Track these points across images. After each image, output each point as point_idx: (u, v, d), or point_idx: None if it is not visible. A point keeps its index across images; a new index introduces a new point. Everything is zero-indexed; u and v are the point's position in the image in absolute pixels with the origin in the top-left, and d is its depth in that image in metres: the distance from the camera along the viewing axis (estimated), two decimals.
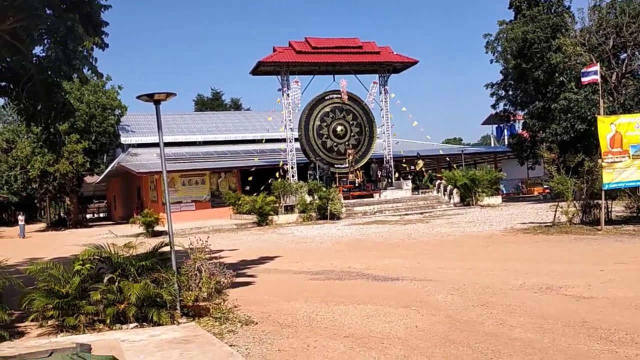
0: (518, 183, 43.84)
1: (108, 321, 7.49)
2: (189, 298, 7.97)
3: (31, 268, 7.81)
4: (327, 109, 33.89)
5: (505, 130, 46.87)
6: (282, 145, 33.52)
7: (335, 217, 27.99)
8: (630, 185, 16.30)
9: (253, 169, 33.94)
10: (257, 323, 7.48)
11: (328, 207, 27.94)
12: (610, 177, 15.65)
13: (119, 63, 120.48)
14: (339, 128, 33.80)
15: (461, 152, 42.27)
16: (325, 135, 33.57)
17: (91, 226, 45.24)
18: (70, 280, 7.62)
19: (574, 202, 17.45)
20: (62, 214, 57.52)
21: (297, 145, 33.18)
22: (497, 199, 31.70)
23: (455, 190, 31.60)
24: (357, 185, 33.07)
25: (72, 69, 9.29)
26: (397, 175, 35.59)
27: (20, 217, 38.04)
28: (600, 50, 27.49)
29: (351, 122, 34.13)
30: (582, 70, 18.86)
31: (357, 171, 33.42)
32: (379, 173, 34.45)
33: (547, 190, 32.68)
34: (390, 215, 28.18)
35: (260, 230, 25.41)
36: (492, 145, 57.61)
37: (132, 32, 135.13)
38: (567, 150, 27.80)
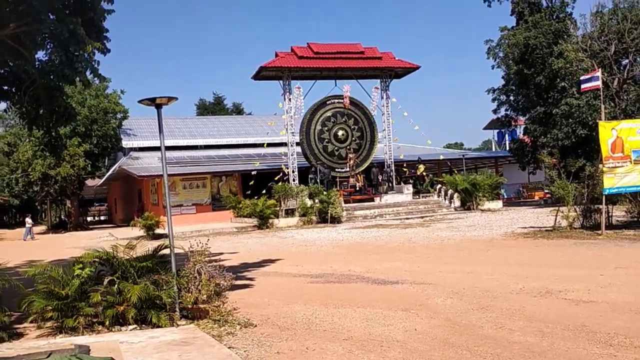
0: (519, 188, 43.78)
1: (107, 323, 7.50)
2: (188, 300, 7.97)
3: (30, 270, 7.82)
4: (329, 114, 33.92)
5: (507, 135, 46.82)
6: (283, 150, 33.55)
7: (335, 220, 27.98)
8: (632, 190, 16.28)
9: (254, 173, 33.96)
10: (256, 325, 7.47)
11: (329, 211, 27.94)
12: (611, 182, 15.64)
13: (121, 67, 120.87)
14: (340, 132, 33.82)
15: (462, 157, 42.25)
16: (326, 140, 33.59)
17: (92, 229, 45.23)
18: (69, 282, 7.63)
19: (575, 206, 17.43)
20: (62, 217, 57.63)
21: (299, 149, 33.19)
22: (498, 204, 31.66)
23: (456, 195, 31.58)
24: (357, 189, 33.05)
25: (74, 72, 9.34)
26: (398, 179, 35.57)
27: (28, 220, 38.07)
28: (602, 56, 27.47)
29: (352, 127, 34.15)
30: (582, 77, 18.82)
31: (358, 175, 33.39)
32: (380, 177, 34.42)
33: (548, 195, 32.66)
34: (390, 219, 28.17)
35: (260, 233, 25.41)
36: (494, 150, 57.64)
37: (134, 36, 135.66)
38: (568, 155, 27.79)
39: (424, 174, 36.46)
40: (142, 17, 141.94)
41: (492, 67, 34.24)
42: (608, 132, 15.69)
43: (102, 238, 27.57)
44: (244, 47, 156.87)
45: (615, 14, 28.49)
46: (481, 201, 30.97)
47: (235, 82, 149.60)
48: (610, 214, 17.18)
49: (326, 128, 33.64)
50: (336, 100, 34.06)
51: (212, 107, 69.37)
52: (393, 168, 35.15)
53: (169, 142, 35.80)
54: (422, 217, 28.35)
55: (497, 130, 52.35)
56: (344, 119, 34.06)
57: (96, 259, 8.18)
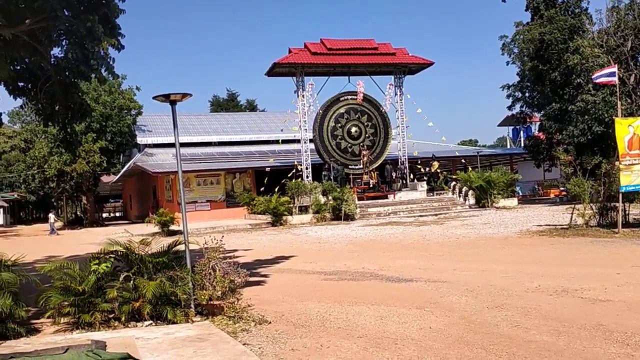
0: (534, 185, 43.47)
1: (123, 319, 7.56)
2: (203, 297, 8.00)
3: (46, 266, 7.89)
4: (342, 110, 33.89)
5: (522, 132, 46.51)
6: (296, 146, 33.56)
7: (349, 218, 27.96)
8: None
9: (268, 170, 34.02)
10: (270, 322, 7.49)
11: (342, 208, 27.93)
12: (628, 180, 15.47)
13: (135, 64, 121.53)
14: (353, 129, 33.79)
15: (477, 154, 42.00)
16: (339, 137, 33.57)
17: (107, 225, 45.65)
18: (86, 278, 7.69)
19: (591, 204, 17.26)
20: (78, 213, 58.20)
21: (312, 146, 33.21)
22: (513, 201, 31.45)
23: (470, 192, 31.43)
24: (371, 186, 33.02)
25: (90, 69, 9.41)
26: (411, 176, 35.45)
27: (51, 215, 38.50)
28: (618, 52, 27.12)
29: (366, 124, 34.09)
30: (597, 72, 18.63)
31: (372, 172, 33.37)
32: (394, 174, 34.34)
33: (564, 193, 32.38)
34: (404, 217, 28.09)
35: (274, 230, 25.46)
36: (508, 147, 57.20)
37: (148, 33, 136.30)
38: (584, 152, 27.47)
39: (438, 171, 36.30)
40: (155, 12, 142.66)
41: (507, 63, 33.94)
42: (625, 128, 15.51)
43: (118, 234, 27.75)
44: (258, 44, 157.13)
45: (632, 9, 28.09)
46: (496, 199, 30.77)
47: (249, 79, 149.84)
48: (627, 212, 16.99)
49: (339, 125, 33.62)
50: (349, 97, 34.01)
51: (226, 104, 69.54)
52: (407, 165, 35.05)
53: (183, 139, 35.86)
54: (436, 215, 28.25)
55: (512, 127, 52.00)
56: (357, 116, 34.01)
57: (111, 255, 8.25)
